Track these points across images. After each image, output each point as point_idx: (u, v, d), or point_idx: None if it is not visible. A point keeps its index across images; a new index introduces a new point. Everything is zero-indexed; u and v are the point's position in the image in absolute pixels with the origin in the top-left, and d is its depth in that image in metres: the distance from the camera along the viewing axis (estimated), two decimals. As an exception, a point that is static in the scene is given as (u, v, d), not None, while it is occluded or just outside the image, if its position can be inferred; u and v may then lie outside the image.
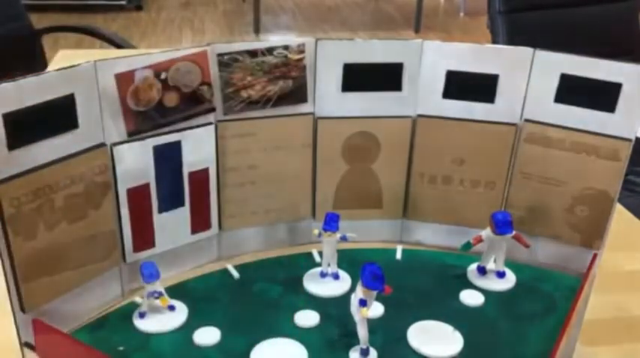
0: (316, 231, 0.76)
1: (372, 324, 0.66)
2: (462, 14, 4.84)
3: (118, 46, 1.83)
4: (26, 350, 0.66)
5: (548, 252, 0.81)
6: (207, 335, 0.69)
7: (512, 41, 0.76)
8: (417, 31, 4.37)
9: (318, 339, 0.69)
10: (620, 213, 0.95)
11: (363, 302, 0.64)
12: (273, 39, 0.75)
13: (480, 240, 0.78)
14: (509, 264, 0.80)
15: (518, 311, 0.75)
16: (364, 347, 0.66)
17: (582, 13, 1.22)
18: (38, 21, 3.68)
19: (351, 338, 0.67)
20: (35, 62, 1.78)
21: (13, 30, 1.75)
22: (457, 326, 0.71)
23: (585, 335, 0.70)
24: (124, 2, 4.70)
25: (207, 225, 0.79)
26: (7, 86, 0.59)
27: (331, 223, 0.74)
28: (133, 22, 4.48)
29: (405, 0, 4.88)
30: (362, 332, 0.66)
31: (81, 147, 0.66)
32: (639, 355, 0.71)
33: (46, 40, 1.99)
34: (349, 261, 0.78)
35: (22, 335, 0.65)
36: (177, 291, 0.74)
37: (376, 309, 0.71)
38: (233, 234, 0.82)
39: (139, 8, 4.76)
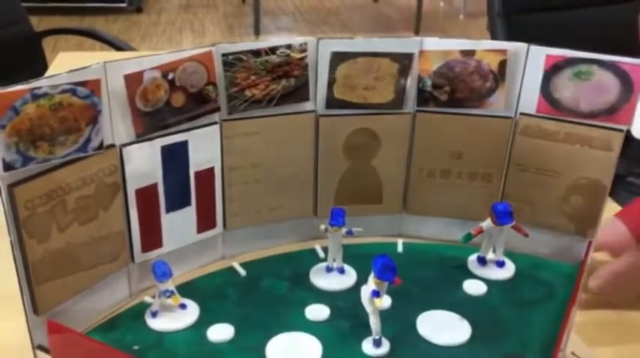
0: (322, 227, 0.77)
1: (382, 315, 0.68)
2: (461, 16, 4.83)
3: (119, 49, 1.82)
4: (39, 353, 0.66)
5: (543, 241, 0.84)
6: (222, 332, 0.69)
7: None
8: (416, 33, 4.35)
9: (331, 332, 0.70)
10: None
11: (375, 293, 0.65)
12: (274, 40, 0.76)
13: (480, 231, 0.80)
14: (507, 253, 0.82)
15: (520, 299, 0.77)
16: (377, 337, 0.68)
17: (582, 14, 1.25)
18: (38, 23, 3.63)
19: (363, 330, 0.69)
20: (36, 65, 1.77)
21: (14, 32, 1.74)
22: (463, 314, 0.73)
23: (585, 335, 0.72)
24: (124, 4, 4.65)
25: (212, 224, 0.80)
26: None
27: (337, 218, 0.76)
28: (134, 24, 4.44)
29: (405, 2, 4.90)
30: (374, 322, 0.67)
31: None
32: (639, 356, 0.72)
33: (47, 43, 1.97)
34: (352, 255, 0.80)
35: (34, 338, 0.65)
36: (186, 290, 0.75)
37: (384, 301, 0.72)
38: (237, 232, 0.83)
39: (139, 10, 4.72)
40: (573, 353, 0.69)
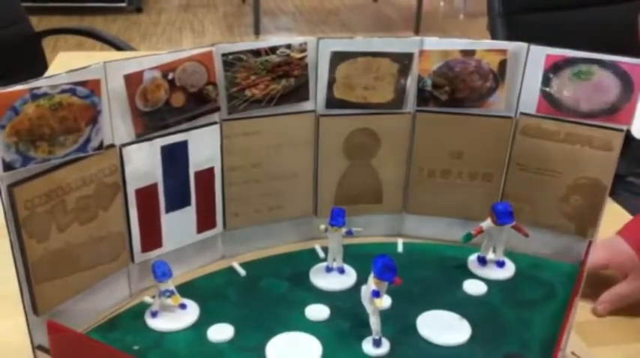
0: (322, 227, 0.77)
1: (382, 315, 0.68)
2: (461, 16, 4.81)
3: (118, 49, 1.81)
4: (39, 353, 0.66)
5: (543, 241, 0.83)
6: (222, 332, 0.69)
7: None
8: (416, 33, 4.33)
9: (330, 332, 0.70)
10: (614, 211, 0.96)
11: (375, 293, 0.65)
12: (274, 40, 0.76)
13: (480, 231, 0.80)
14: (507, 253, 0.82)
15: (520, 299, 0.77)
16: (377, 337, 0.68)
17: (582, 14, 1.25)
18: (38, 23, 3.63)
19: (363, 330, 0.69)
20: (36, 65, 1.77)
21: (14, 32, 1.74)
22: (463, 314, 0.73)
23: (585, 335, 0.72)
24: (124, 4, 4.65)
25: (212, 224, 0.80)
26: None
27: (337, 218, 0.76)
28: (133, 24, 4.44)
29: (405, 2, 4.89)
30: (375, 322, 0.67)
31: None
32: (639, 355, 0.72)
33: (47, 43, 1.97)
34: (352, 255, 0.80)
35: (34, 338, 0.65)
36: (185, 290, 0.75)
37: (385, 301, 0.72)
38: (237, 232, 0.83)
39: (139, 10, 4.72)
40: (573, 353, 0.69)
